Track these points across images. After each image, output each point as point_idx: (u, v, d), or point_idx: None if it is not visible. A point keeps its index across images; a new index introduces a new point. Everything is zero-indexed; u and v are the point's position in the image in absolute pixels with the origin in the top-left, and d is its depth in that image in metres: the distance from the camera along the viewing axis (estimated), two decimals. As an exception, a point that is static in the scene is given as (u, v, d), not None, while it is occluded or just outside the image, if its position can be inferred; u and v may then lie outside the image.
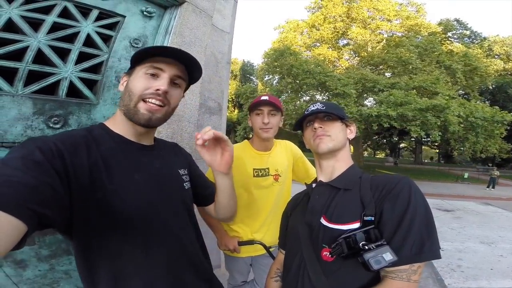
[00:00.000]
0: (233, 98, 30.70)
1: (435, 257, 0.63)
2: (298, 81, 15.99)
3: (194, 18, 1.55)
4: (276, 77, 19.81)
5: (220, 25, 2.29)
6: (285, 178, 1.56)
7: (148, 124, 0.72)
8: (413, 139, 21.55)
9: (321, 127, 0.83)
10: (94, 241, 0.64)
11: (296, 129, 0.95)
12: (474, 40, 22.19)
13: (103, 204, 0.63)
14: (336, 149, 0.83)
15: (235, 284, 1.66)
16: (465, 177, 16.73)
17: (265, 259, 1.54)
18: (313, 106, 0.87)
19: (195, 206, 0.98)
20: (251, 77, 36.64)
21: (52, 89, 1.10)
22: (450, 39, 20.71)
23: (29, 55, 1.03)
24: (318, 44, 21.35)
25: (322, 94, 17.33)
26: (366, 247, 0.61)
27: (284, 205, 1.56)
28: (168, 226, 0.75)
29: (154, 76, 0.71)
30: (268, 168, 1.51)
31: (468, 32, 22.61)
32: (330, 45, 21.06)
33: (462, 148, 14.52)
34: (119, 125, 0.74)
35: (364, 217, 0.68)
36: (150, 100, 0.70)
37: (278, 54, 16.95)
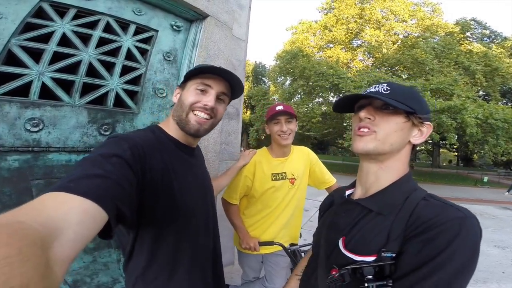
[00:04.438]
0: (245, 99, 30.91)
1: None
2: (310, 83, 15.97)
3: (217, 31, 1.70)
4: (289, 79, 19.84)
5: (236, 33, 2.43)
6: (300, 182, 1.64)
7: (197, 134, 0.82)
8: (430, 141, 20.94)
9: (368, 118, 0.63)
10: (156, 233, 0.72)
11: (341, 111, 0.74)
12: (495, 40, 21.35)
13: (169, 201, 0.72)
14: (380, 153, 0.63)
15: (247, 279, 1.78)
16: (484, 181, 16.07)
17: (275, 258, 1.64)
18: (375, 87, 0.65)
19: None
20: (263, 78, 36.74)
21: (100, 100, 1.27)
22: (468, 39, 20.04)
23: (83, 68, 1.21)
24: (331, 45, 21.21)
25: (335, 96, 17.21)
26: (366, 285, 0.53)
27: (300, 208, 1.69)
28: (207, 222, 0.88)
29: (203, 92, 0.81)
30: (285, 173, 1.60)
31: (487, 32, 21.79)
32: (343, 46, 20.88)
33: (481, 151, 13.98)
34: (173, 131, 0.83)
35: (382, 253, 0.55)
36: (199, 113, 0.80)
37: (291, 56, 16.99)
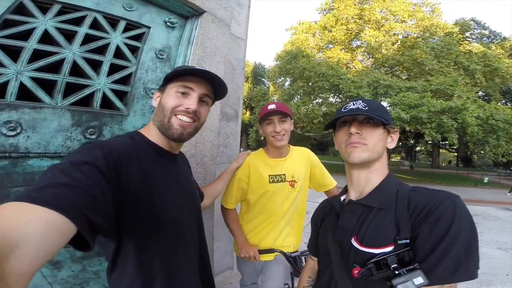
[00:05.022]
0: (245, 100, 30.93)
1: (470, 278, 0.58)
2: (310, 84, 15.92)
3: (214, 28, 1.61)
4: (288, 79, 19.79)
5: (235, 31, 2.35)
6: (301, 185, 1.54)
7: (181, 139, 0.79)
8: (430, 142, 20.94)
9: (358, 133, 0.73)
10: (139, 242, 0.69)
11: (327, 128, 0.84)
12: (494, 40, 21.37)
13: (150, 210, 0.69)
14: (371, 160, 0.73)
15: (244, 285, 1.70)
16: (484, 181, 16.06)
17: (274, 266, 1.55)
18: (353, 104, 0.75)
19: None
20: (263, 79, 36.74)
21: (86, 101, 1.18)
22: (468, 39, 20.05)
23: (66, 67, 1.12)
24: (331, 46, 21.19)
25: (335, 97, 17.17)
26: (397, 272, 0.59)
27: (300, 212, 1.58)
28: (191, 229, 0.84)
29: (184, 94, 0.78)
30: (284, 174, 1.51)
31: (487, 32, 21.81)
32: (343, 47, 20.86)
33: (482, 152, 13.95)
34: (154, 137, 0.80)
35: (398, 241, 0.62)
36: (181, 117, 0.77)
37: (291, 57, 16.94)
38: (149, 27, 1.43)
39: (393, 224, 0.65)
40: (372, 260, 0.63)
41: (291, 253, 1.51)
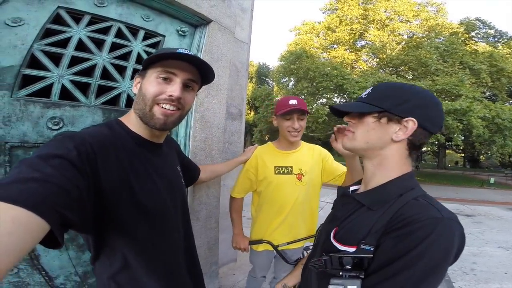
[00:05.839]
0: (249, 100, 31.10)
1: None
2: (315, 84, 16.01)
3: (220, 36, 1.80)
4: (292, 80, 19.89)
5: (239, 36, 2.53)
6: (310, 179, 1.50)
7: (163, 128, 0.74)
8: (436, 142, 20.77)
9: (350, 121, 0.71)
10: (118, 232, 0.66)
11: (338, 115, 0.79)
12: (500, 40, 21.11)
13: (130, 202, 0.66)
14: (359, 149, 0.70)
15: (254, 276, 1.74)
16: (491, 182, 15.89)
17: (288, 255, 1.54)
18: (364, 91, 0.72)
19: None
20: (267, 79, 36.86)
21: (113, 100, 1.37)
22: (474, 39, 19.87)
23: (97, 71, 1.31)
24: (335, 46, 21.23)
25: (340, 97, 17.21)
26: (340, 273, 0.56)
27: (312, 208, 1.57)
28: (175, 220, 0.82)
29: (166, 80, 0.71)
30: (291, 167, 1.48)
31: (492, 32, 21.55)
32: (347, 47, 20.88)
33: (488, 152, 13.84)
34: (135, 126, 0.75)
35: (361, 245, 0.58)
36: (164, 105, 0.71)
37: (295, 57, 17.05)
38: (164, 36, 1.63)
39: (368, 227, 0.60)
40: (331, 254, 0.60)
41: (278, 245, 1.49)
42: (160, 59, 0.70)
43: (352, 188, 0.79)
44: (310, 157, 1.55)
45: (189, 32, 1.75)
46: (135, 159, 0.70)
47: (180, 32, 1.70)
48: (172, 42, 1.65)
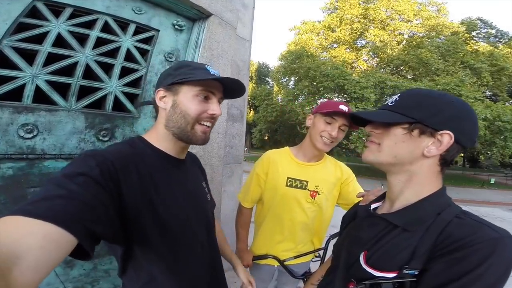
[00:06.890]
0: (249, 100, 30.96)
1: None
2: (315, 83, 15.88)
3: (221, 31, 1.63)
4: (293, 79, 19.77)
5: (240, 33, 2.37)
6: (324, 199, 1.31)
7: (203, 143, 0.78)
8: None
9: (373, 131, 0.65)
10: (143, 248, 0.68)
11: (359, 125, 0.76)
12: (501, 39, 21.07)
13: (153, 217, 0.67)
14: (383, 163, 0.64)
15: None
16: (491, 182, 15.87)
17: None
18: (390, 98, 0.66)
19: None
20: (267, 78, 36.76)
21: (98, 103, 1.21)
22: (475, 38, 19.82)
23: (79, 70, 1.15)
24: (335, 45, 21.11)
25: (340, 97, 17.09)
26: None
27: (318, 225, 1.37)
28: (198, 237, 0.82)
29: (205, 98, 0.75)
30: (306, 181, 1.29)
31: (493, 31, 21.52)
32: (347, 46, 20.76)
33: (489, 153, 13.82)
34: (161, 142, 0.76)
35: (404, 270, 0.53)
36: (205, 123, 0.75)
37: (295, 57, 16.92)
38: (158, 30, 1.46)
39: (410, 251, 0.55)
40: (367, 281, 0.57)
41: (287, 259, 1.37)
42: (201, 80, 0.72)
43: (373, 206, 0.73)
44: (331, 175, 1.34)
45: (187, 26, 1.59)
46: (157, 173, 0.71)
47: (176, 26, 1.53)
48: (167, 37, 1.48)
